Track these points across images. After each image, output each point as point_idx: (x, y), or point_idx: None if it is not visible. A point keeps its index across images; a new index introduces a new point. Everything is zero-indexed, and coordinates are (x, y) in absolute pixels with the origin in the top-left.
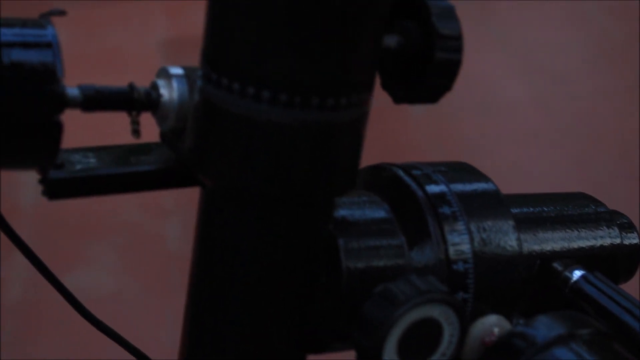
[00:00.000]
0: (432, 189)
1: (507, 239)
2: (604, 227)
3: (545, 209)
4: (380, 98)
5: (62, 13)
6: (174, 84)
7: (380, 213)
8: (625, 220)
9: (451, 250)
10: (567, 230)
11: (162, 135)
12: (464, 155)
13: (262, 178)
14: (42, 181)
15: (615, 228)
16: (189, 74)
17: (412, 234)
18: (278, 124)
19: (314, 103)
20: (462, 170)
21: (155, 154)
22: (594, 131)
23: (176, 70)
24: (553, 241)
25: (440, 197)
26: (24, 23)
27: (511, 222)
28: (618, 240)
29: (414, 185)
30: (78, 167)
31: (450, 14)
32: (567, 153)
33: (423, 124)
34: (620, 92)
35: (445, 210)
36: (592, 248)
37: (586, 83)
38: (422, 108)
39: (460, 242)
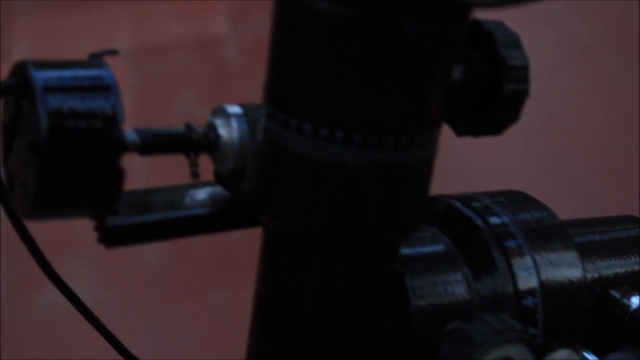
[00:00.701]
0: (495, 221)
1: (573, 270)
2: None
3: (600, 235)
4: None
5: (114, 53)
6: (234, 123)
7: (443, 247)
8: None
9: (520, 284)
10: (623, 256)
11: (218, 175)
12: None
13: (331, 221)
14: (99, 229)
15: None
16: (247, 112)
17: (478, 268)
18: (352, 165)
19: (389, 143)
20: (521, 200)
21: (211, 195)
22: (562, 128)
23: (234, 109)
24: (610, 268)
25: (504, 230)
26: (78, 64)
27: (575, 254)
28: None
29: (476, 218)
30: (134, 212)
31: (516, 43)
32: (538, 150)
33: None
34: (586, 89)
35: (511, 243)
36: None
37: (553, 81)
38: None
39: (527, 276)
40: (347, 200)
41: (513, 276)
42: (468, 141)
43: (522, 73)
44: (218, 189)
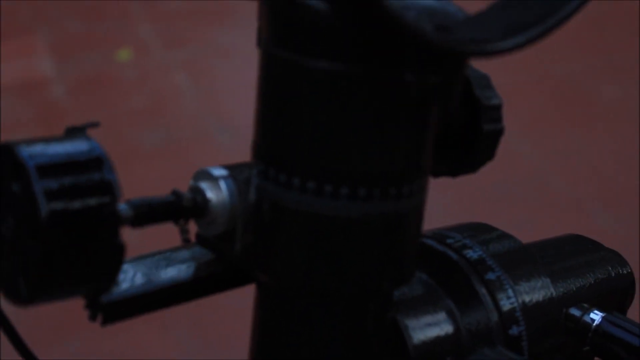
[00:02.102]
0: (471, 255)
1: (547, 294)
2: (607, 266)
3: (554, 257)
4: None
5: (95, 125)
6: (222, 185)
7: (426, 285)
8: (615, 254)
9: (505, 315)
10: (578, 275)
11: (201, 238)
12: None
13: (334, 275)
14: (93, 306)
15: (614, 263)
16: (233, 174)
17: (464, 302)
18: (357, 219)
19: (392, 193)
20: (486, 231)
21: (196, 259)
22: None
23: (219, 171)
24: (568, 287)
25: (482, 263)
26: (62, 140)
27: (547, 278)
28: (617, 275)
29: (453, 254)
30: (124, 285)
31: (488, 83)
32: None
33: (228, 153)
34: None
35: (491, 276)
36: (600, 288)
37: None
38: (226, 138)
39: (510, 305)
40: (351, 253)
41: (498, 307)
42: None
43: (497, 112)
44: (199, 251)
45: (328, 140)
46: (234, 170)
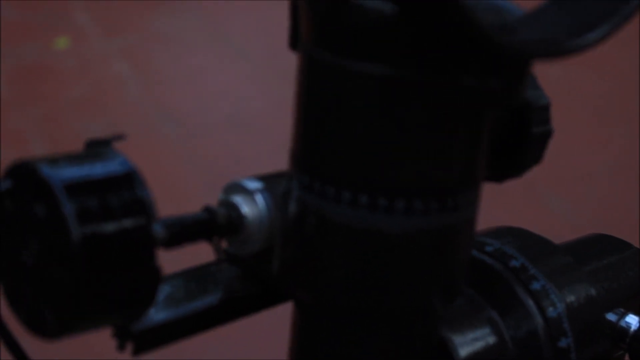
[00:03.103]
0: (514, 264)
1: (592, 303)
2: (637, 265)
3: (586, 260)
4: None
5: (120, 138)
6: (258, 200)
7: (470, 296)
8: None
9: (552, 327)
10: (611, 278)
11: (233, 257)
12: (223, 180)
13: (380, 292)
14: (122, 335)
15: None
16: (269, 186)
17: (511, 314)
18: (412, 234)
19: (449, 205)
20: (523, 237)
21: (228, 278)
22: None
23: (254, 184)
24: (606, 291)
25: (525, 272)
26: (88, 156)
27: (589, 285)
28: None
29: (495, 264)
30: (155, 311)
31: (535, 83)
32: None
33: (172, 145)
34: None
35: (536, 285)
36: (632, 288)
37: None
38: (170, 129)
39: (558, 317)
40: (404, 270)
41: (546, 319)
42: (254, 159)
43: (546, 113)
44: (230, 270)
45: (382, 151)
46: (268, 182)
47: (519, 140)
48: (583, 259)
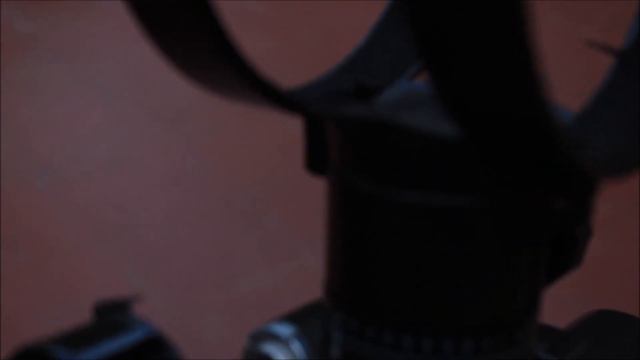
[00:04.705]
0: None
1: None
2: None
3: (603, 346)
4: None
5: (137, 299)
6: (295, 348)
7: None
8: None
9: None
10: None
11: None
12: (110, 228)
13: None
14: None
15: None
16: (304, 330)
17: None
18: None
19: (518, 338)
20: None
21: None
22: (228, 166)
23: (286, 330)
24: None
25: None
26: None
27: None
28: None
29: None
30: None
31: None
32: (206, 194)
33: (50, 197)
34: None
35: None
36: None
37: (204, 120)
38: (44, 181)
39: None
40: None
41: None
42: (137, 202)
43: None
44: None
45: (443, 289)
46: (301, 324)
47: (563, 243)
48: (600, 344)
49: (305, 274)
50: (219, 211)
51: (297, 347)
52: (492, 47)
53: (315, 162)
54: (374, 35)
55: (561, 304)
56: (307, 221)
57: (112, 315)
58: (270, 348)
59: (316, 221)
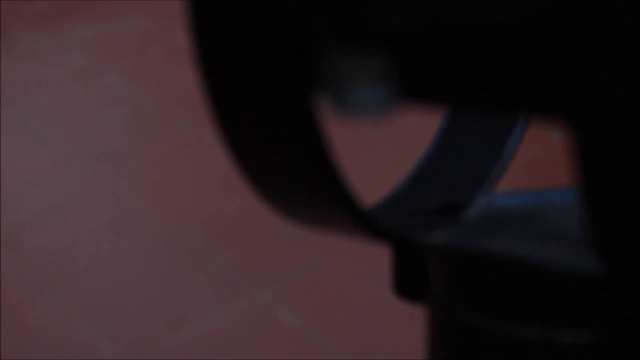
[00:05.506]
0: None
1: None
2: None
3: None
4: None
5: None
6: None
7: None
8: None
9: None
10: None
11: None
12: (53, 278)
13: None
14: None
15: None
16: None
17: None
18: None
19: None
20: None
21: None
22: (172, 202)
23: None
24: None
25: None
26: None
27: None
28: None
29: None
30: None
31: None
32: (151, 235)
33: None
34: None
35: None
36: None
37: (143, 159)
38: None
39: None
40: None
41: None
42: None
43: None
44: None
45: None
46: None
47: None
48: None
49: (258, 311)
50: (166, 252)
51: None
52: None
53: (409, 289)
54: (440, 144)
55: None
56: (256, 258)
57: None
58: None
59: (265, 257)
